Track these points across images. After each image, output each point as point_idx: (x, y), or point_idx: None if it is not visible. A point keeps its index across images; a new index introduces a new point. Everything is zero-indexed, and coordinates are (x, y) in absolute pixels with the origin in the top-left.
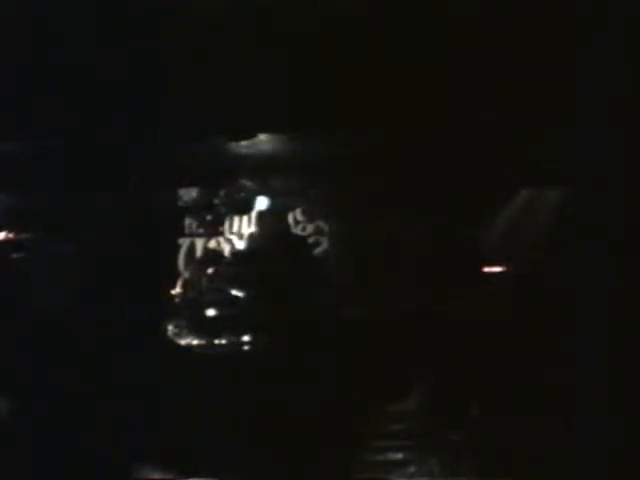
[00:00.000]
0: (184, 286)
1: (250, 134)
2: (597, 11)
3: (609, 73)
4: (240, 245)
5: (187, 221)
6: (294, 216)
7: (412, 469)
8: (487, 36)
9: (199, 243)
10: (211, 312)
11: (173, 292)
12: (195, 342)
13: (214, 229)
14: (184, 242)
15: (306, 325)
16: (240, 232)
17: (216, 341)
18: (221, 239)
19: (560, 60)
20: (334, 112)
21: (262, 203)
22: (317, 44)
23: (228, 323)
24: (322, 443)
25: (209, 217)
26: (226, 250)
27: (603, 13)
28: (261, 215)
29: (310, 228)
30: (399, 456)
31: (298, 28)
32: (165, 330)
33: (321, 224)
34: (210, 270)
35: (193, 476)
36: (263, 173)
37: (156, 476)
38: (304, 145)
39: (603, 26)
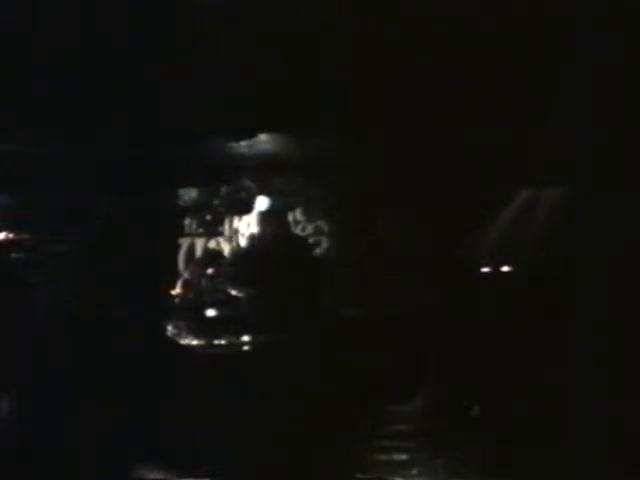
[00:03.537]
0: (184, 286)
1: (250, 134)
2: None
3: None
4: (240, 245)
5: (187, 221)
6: (294, 216)
7: (415, 469)
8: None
9: (199, 243)
10: (211, 312)
11: (173, 292)
12: (195, 342)
13: (214, 229)
14: (184, 242)
15: (306, 325)
16: (240, 232)
17: (216, 341)
18: (221, 239)
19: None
20: (334, 113)
21: (262, 203)
22: (317, 45)
23: (228, 323)
24: (325, 443)
25: (209, 217)
26: (226, 250)
27: None
28: (261, 215)
29: (310, 228)
30: (403, 457)
31: (298, 29)
32: (165, 330)
33: (321, 224)
34: (210, 270)
35: (193, 476)
36: (263, 173)
37: (156, 476)
38: (304, 145)
39: None
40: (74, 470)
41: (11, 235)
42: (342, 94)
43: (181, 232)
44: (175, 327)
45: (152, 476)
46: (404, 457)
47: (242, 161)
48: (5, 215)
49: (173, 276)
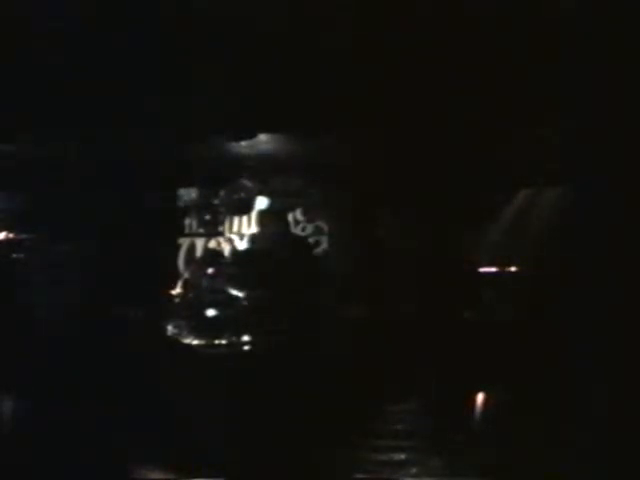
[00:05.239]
0: (184, 286)
1: (250, 134)
2: None
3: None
4: (240, 245)
5: (187, 221)
6: (294, 216)
7: (414, 469)
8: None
9: (199, 243)
10: (211, 312)
11: (173, 292)
12: (195, 342)
13: (214, 229)
14: (184, 242)
15: (306, 325)
16: (240, 232)
17: (216, 341)
18: (221, 239)
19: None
20: (334, 112)
21: (262, 203)
22: (316, 45)
23: (228, 323)
24: (324, 443)
25: (209, 217)
26: (226, 250)
27: None
28: (261, 215)
29: (310, 228)
30: (401, 456)
31: (296, 29)
32: (165, 330)
33: (321, 224)
34: (210, 270)
35: (193, 476)
36: (263, 173)
37: (156, 476)
38: (304, 145)
39: None
40: (75, 470)
41: (11, 235)
42: (342, 94)
43: (181, 232)
44: (175, 327)
45: (152, 476)
46: (403, 457)
47: (242, 161)
48: (5, 215)
49: (173, 276)
